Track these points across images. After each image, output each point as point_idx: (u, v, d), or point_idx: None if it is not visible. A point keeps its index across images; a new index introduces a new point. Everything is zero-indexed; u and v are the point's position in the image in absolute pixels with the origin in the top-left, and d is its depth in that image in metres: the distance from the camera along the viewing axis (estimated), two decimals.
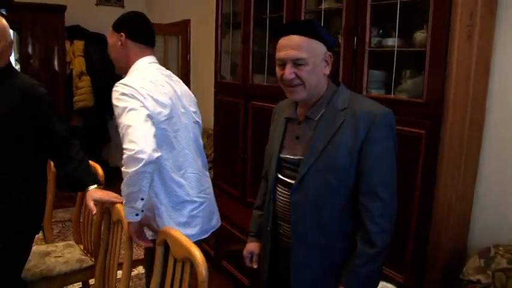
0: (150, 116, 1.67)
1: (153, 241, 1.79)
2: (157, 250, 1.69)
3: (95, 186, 2.01)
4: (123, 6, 5.68)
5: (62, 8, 4.90)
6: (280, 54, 1.42)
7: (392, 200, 1.41)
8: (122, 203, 1.80)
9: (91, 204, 1.90)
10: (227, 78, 3.46)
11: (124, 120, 1.65)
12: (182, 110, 1.88)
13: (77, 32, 5.25)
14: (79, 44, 5.19)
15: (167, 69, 2.03)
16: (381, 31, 2.15)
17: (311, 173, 1.43)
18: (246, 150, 3.12)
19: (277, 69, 1.45)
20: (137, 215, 1.70)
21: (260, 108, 2.93)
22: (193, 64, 4.83)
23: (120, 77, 1.93)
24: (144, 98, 1.70)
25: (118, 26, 1.91)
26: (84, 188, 2.01)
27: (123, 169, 1.62)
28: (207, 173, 2.05)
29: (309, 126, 1.47)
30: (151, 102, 1.71)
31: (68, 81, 5.15)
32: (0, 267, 1.90)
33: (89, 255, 2.44)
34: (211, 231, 2.02)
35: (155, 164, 1.63)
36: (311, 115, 1.47)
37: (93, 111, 5.25)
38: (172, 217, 1.84)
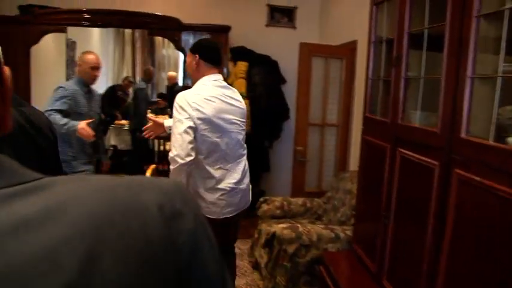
0: (191, 127, 2.22)
1: None
2: None
3: None
4: (294, 28, 5.28)
5: (226, 29, 4.73)
6: None
7: None
8: None
9: None
10: (377, 113, 2.64)
11: (173, 128, 2.26)
12: (226, 121, 2.34)
13: (242, 53, 5.03)
14: (242, 66, 4.95)
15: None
16: None
17: None
18: (389, 208, 2.25)
19: None
20: None
21: (407, 159, 2.05)
22: (359, 92, 4.08)
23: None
24: (192, 109, 2.23)
25: (194, 49, 2.43)
26: None
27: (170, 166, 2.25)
28: (240, 167, 2.48)
29: None
30: (197, 114, 2.23)
31: None
32: None
33: None
34: (238, 211, 2.49)
35: (187, 165, 2.21)
36: None
37: (250, 138, 4.92)
38: (206, 198, 2.37)
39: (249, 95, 4.85)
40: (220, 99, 2.33)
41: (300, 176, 4.20)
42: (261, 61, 5.01)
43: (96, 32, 5.74)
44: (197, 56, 2.37)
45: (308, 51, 4.04)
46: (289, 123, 5.33)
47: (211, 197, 2.35)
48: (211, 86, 2.34)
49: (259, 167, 5.27)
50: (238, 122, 2.46)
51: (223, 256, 2.73)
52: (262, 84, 4.89)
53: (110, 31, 5.49)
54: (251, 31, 5.19)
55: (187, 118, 2.19)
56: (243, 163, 2.53)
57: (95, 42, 5.86)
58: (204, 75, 2.38)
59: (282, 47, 5.20)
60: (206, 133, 2.27)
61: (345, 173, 3.74)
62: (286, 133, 5.33)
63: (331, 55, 4.16)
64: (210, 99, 2.28)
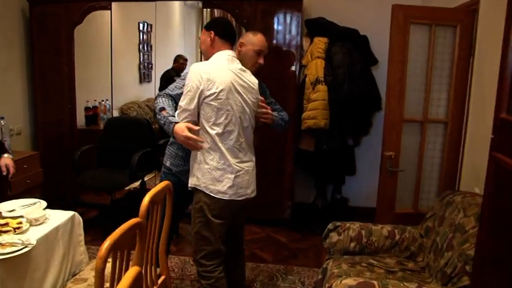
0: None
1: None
2: None
3: None
4: None
5: None
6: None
7: None
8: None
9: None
10: None
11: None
12: (236, 96, 2.24)
13: (320, 27, 3.96)
14: (320, 42, 3.88)
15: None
16: None
17: None
18: None
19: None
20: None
21: None
22: (481, 76, 2.80)
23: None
24: (201, 78, 2.19)
25: (209, 26, 2.44)
26: None
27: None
28: (250, 150, 2.39)
29: None
30: (206, 82, 2.18)
31: (300, 90, 3.93)
32: None
33: None
34: (246, 197, 2.33)
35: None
36: None
37: (329, 133, 3.87)
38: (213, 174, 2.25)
39: (327, 80, 3.79)
40: (233, 72, 2.27)
41: (389, 190, 3.07)
42: (345, 36, 3.91)
43: (176, 14, 5.21)
44: (212, 32, 2.37)
45: (404, 17, 2.86)
46: (380, 116, 4.16)
47: (219, 174, 2.24)
48: (224, 59, 2.30)
49: (342, 169, 4.20)
50: (251, 103, 2.34)
51: (233, 259, 2.57)
52: (345, 65, 3.79)
53: (192, 13, 5.13)
54: None
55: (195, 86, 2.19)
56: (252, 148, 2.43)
57: (176, 26, 5.29)
58: (217, 51, 2.35)
59: (374, 17, 4.03)
60: (213, 103, 2.20)
61: (455, 194, 2.54)
62: (377, 128, 4.17)
63: (438, 21, 2.90)
64: (225, 72, 2.24)
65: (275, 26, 3.92)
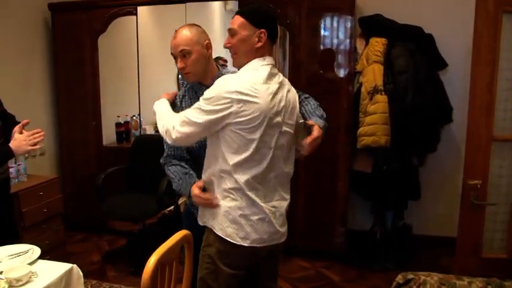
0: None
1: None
2: None
3: None
4: None
5: None
6: None
7: None
8: None
9: None
10: None
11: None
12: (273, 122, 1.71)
13: (378, 25, 3.35)
14: (378, 44, 3.27)
15: None
16: None
17: None
18: None
19: None
20: None
21: None
22: None
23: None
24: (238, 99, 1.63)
25: (259, 21, 1.74)
26: None
27: None
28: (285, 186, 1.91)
29: None
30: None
31: (355, 102, 3.33)
32: None
33: None
34: (272, 244, 1.80)
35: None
36: None
37: (389, 152, 3.25)
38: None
39: (388, 89, 3.17)
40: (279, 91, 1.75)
41: (474, 229, 2.42)
42: (407, 35, 3.29)
43: (216, 19, 4.85)
44: (264, 31, 1.73)
45: (494, 4, 2.21)
46: (451, 129, 3.51)
47: (242, 209, 1.73)
48: (264, 72, 1.72)
49: (404, 192, 3.56)
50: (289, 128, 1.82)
51: None
52: (409, 70, 3.17)
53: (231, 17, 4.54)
54: None
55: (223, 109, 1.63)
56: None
57: (215, 32, 4.91)
58: (260, 58, 1.75)
59: (441, 12, 3.40)
60: (245, 134, 1.67)
61: None
62: (446, 144, 3.52)
63: None
64: (270, 90, 1.70)
65: (323, 26, 3.35)
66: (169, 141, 1.77)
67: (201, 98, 1.68)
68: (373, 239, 3.68)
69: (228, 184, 1.70)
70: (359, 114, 3.27)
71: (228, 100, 1.60)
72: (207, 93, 1.66)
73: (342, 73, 3.38)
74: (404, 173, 3.43)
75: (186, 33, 1.85)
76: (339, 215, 3.52)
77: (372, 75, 3.22)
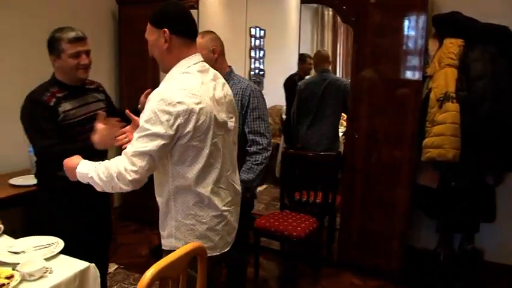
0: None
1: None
2: None
3: None
4: None
5: None
6: None
7: None
8: None
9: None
10: None
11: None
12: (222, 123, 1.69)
13: (453, 25, 2.98)
14: (453, 45, 2.90)
15: None
16: None
17: None
18: None
19: None
20: None
21: None
22: None
23: None
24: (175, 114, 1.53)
25: (157, 20, 1.64)
26: None
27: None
28: (235, 177, 1.88)
29: None
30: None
31: (422, 109, 3.01)
32: None
33: None
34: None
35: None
36: None
37: (459, 167, 2.89)
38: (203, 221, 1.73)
39: (460, 96, 2.82)
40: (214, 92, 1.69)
41: None
42: (489, 37, 2.88)
43: (292, 16, 4.79)
44: (166, 30, 1.61)
45: None
46: None
47: (208, 222, 1.69)
48: (196, 73, 1.64)
49: (476, 213, 3.17)
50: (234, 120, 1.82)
51: None
52: (488, 76, 2.78)
53: (307, 14, 4.67)
54: None
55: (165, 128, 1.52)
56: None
57: (290, 30, 4.83)
58: (180, 58, 1.65)
59: None
60: (197, 143, 1.59)
61: None
62: None
63: None
64: (209, 90, 1.66)
65: (392, 25, 3.05)
66: (127, 188, 1.55)
67: (140, 124, 1.55)
68: (436, 260, 3.34)
69: (191, 200, 1.65)
70: (425, 124, 2.94)
71: (170, 114, 1.50)
72: (145, 115, 1.54)
73: (410, 77, 3.07)
74: (477, 191, 3.05)
75: (199, 38, 2.00)
76: (398, 230, 3.23)
77: (444, 80, 2.87)
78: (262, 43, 5.02)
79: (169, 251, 1.60)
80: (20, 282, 1.58)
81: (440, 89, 2.87)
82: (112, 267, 3.15)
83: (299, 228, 3.04)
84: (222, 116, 1.68)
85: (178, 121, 1.51)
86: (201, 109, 1.55)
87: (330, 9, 4.25)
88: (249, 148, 2.39)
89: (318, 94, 3.86)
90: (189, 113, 1.52)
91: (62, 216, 2.19)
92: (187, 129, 1.53)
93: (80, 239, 2.09)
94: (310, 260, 3.51)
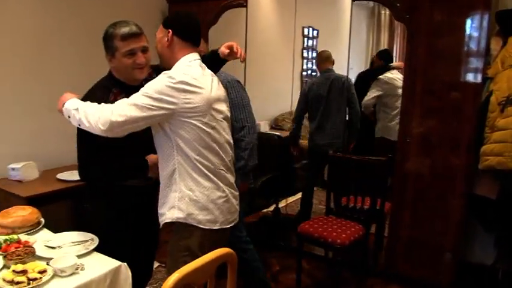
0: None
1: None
2: None
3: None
4: None
5: None
6: None
7: None
8: None
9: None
10: None
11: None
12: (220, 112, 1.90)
13: None
14: None
15: None
16: None
17: None
18: None
19: None
20: None
21: None
22: None
23: None
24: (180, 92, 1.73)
25: (167, 22, 1.93)
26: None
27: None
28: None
29: None
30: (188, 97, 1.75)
31: (481, 114, 2.79)
32: None
33: None
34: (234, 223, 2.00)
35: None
36: None
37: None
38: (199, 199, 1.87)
39: None
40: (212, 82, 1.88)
41: None
42: None
43: (346, 16, 4.72)
44: (170, 31, 1.88)
45: None
46: None
47: (210, 194, 1.83)
48: (196, 65, 1.85)
49: None
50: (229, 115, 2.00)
51: None
52: None
53: (361, 14, 4.58)
54: None
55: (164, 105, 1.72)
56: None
57: (344, 30, 4.75)
58: (176, 57, 1.88)
59: None
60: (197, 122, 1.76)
61: None
62: None
63: None
64: (204, 80, 1.83)
65: (449, 22, 2.86)
66: (102, 128, 1.69)
67: (147, 87, 1.73)
68: (494, 277, 3.10)
69: (194, 173, 1.79)
70: (485, 129, 2.73)
71: (175, 90, 1.70)
72: (152, 84, 1.73)
73: (469, 79, 2.85)
74: None
75: None
76: (451, 242, 3.02)
77: (507, 82, 2.65)
78: (315, 43, 4.95)
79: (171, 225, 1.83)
80: (52, 277, 1.60)
81: (502, 92, 2.66)
82: (154, 265, 3.17)
83: (343, 236, 2.92)
84: (220, 104, 1.88)
85: (182, 96, 1.70)
86: (201, 91, 1.75)
87: (387, 9, 4.11)
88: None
89: (323, 94, 3.88)
90: (192, 92, 1.72)
91: (111, 217, 2.03)
92: (190, 106, 1.72)
93: (126, 241, 2.02)
94: (355, 268, 3.37)
